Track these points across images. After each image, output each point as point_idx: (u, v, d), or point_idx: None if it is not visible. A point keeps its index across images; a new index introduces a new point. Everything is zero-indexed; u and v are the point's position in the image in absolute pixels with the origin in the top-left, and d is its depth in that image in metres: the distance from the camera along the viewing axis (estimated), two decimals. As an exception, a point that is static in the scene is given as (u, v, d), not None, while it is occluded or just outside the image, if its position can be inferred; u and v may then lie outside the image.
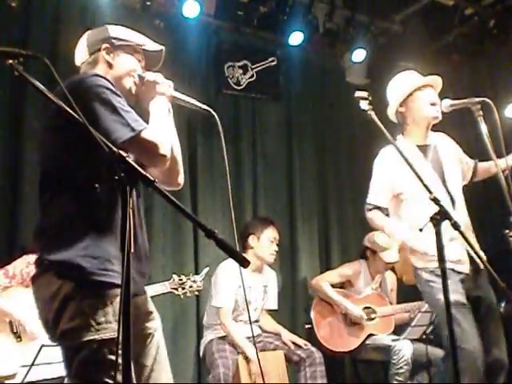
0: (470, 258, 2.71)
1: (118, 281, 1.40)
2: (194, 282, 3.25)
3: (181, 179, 1.96)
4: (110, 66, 1.89)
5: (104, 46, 1.90)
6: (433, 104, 2.79)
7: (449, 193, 2.78)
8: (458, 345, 2.63)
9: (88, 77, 1.74)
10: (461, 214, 2.77)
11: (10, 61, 1.27)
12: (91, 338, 1.57)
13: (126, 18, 4.24)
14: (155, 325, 1.85)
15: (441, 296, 2.63)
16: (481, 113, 2.51)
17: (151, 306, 1.87)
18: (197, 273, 4.20)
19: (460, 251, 2.67)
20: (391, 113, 2.93)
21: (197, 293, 3.34)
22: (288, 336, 3.85)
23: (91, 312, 1.58)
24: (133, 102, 1.90)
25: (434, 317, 3.63)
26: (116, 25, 2.01)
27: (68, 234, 1.67)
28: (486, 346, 2.63)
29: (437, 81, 2.89)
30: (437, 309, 2.79)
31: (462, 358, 2.59)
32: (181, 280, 3.20)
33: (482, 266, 2.70)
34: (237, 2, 4.56)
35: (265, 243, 3.87)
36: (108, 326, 1.59)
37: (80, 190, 1.69)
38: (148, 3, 4.24)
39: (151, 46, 1.97)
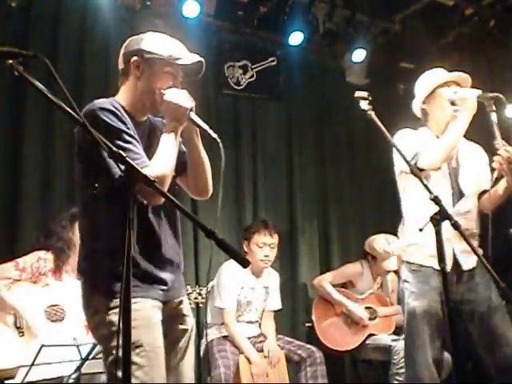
0: (454, 258, 2.67)
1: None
2: (200, 294, 3.28)
3: (209, 191, 2.06)
4: (138, 78, 1.92)
5: (133, 58, 1.91)
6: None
7: (459, 189, 2.74)
8: (410, 355, 2.65)
9: (91, 111, 1.77)
10: (463, 215, 2.71)
11: (10, 61, 1.27)
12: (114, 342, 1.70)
13: (126, 17, 4.25)
14: (185, 327, 1.99)
15: (410, 302, 2.67)
16: (493, 108, 2.52)
17: (187, 311, 2.01)
18: (197, 274, 4.22)
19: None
20: (415, 109, 2.89)
21: (201, 305, 3.36)
22: (268, 345, 3.75)
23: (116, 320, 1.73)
24: (159, 114, 1.96)
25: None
26: (153, 31, 2.00)
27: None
28: (495, 347, 2.60)
29: (462, 77, 2.80)
30: (404, 313, 2.75)
31: (415, 369, 2.61)
32: (187, 290, 3.19)
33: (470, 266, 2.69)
34: (237, 2, 4.56)
35: (254, 249, 3.83)
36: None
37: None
38: (148, 3, 4.24)
39: (186, 58, 1.94)
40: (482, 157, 2.87)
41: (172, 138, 1.84)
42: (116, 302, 1.71)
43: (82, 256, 1.88)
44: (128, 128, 1.80)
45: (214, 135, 1.89)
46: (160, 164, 1.78)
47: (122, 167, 1.38)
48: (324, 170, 5.13)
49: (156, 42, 1.94)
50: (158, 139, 1.88)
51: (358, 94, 2.10)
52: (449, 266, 2.65)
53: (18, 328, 2.91)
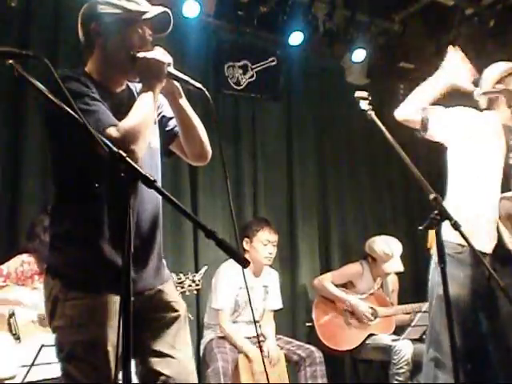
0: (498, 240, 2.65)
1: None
2: (193, 281, 3.21)
3: (207, 152, 1.94)
4: (102, 46, 1.78)
5: (93, 25, 1.78)
6: None
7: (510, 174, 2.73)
8: (436, 337, 2.63)
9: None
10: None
11: (10, 61, 1.27)
12: (72, 337, 1.66)
13: (125, 18, 4.25)
14: (174, 314, 1.85)
15: (440, 291, 2.64)
16: None
17: (171, 297, 1.87)
18: (196, 272, 4.21)
19: (483, 228, 2.59)
20: (484, 88, 2.84)
21: (195, 292, 3.32)
22: (268, 345, 3.75)
23: (72, 313, 1.65)
24: (133, 79, 1.83)
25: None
26: None
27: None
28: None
29: None
30: (431, 299, 2.75)
31: (438, 351, 2.59)
32: (179, 279, 3.13)
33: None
34: (237, 2, 4.55)
35: (257, 246, 3.85)
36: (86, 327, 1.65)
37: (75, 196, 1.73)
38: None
39: (148, 12, 1.77)
40: None
41: (149, 95, 1.70)
42: (75, 293, 1.66)
43: (49, 244, 1.78)
44: (93, 92, 1.66)
45: (198, 85, 1.79)
46: (132, 118, 1.65)
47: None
48: (324, 170, 5.13)
49: (112, 1, 1.77)
50: None
51: (357, 94, 2.10)
52: (490, 248, 2.65)
53: (13, 335, 2.86)
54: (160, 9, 1.78)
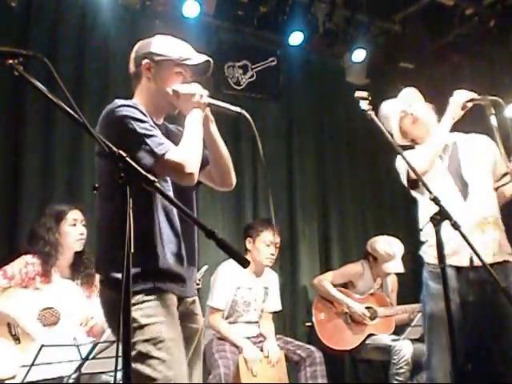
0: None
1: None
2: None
3: (233, 180, 2.10)
4: (150, 80, 1.98)
5: (144, 61, 1.97)
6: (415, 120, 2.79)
7: (465, 184, 2.72)
8: (429, 358, 2.62)
9: (114, 108, 1.83)
10: (476, 206, 2.69)
11: (10, 61, 1.27)
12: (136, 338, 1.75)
13: (126, 17, 4.25)
14: (197, 326, 1.99)
15: (429, 304, 2.65)
16: (493, 111, 2.53)
17: (197, 309, 2.02)
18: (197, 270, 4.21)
19: (459, 241, 2.51)
20: (399, 140, 2.88)
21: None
22: (268, 344, 3.74)
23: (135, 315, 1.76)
24: (175, 112, 2.01)
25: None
26: (161, 33, 2.08)
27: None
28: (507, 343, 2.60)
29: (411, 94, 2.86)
30: (424, 315, 2.75)
31: (433, 373, 2.58)
32: None
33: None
34: (237, 2, 4.56)
35: (260, 247, 3.83)
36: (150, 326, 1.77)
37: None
38: (148, 3, 4.24)
39: (194, 59, 2.01)
40: (490, 144, 2.81)
41: (195, 122, 1.90)
42: (136, 298, 1.76)
43: (101, 257, 1.89)
44: (149, 120, 1.85)
45: (236, 109, 1.96)
46: (189, 144, 1.84)
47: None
48: (324, 170, 5.13)
49: (165, 45, 2.01)
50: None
51: (357, 93, 2.10)
52: (466, 262, 2.64)
53: (13, 336, 2.84)
54: (204, 57, 2.02)
